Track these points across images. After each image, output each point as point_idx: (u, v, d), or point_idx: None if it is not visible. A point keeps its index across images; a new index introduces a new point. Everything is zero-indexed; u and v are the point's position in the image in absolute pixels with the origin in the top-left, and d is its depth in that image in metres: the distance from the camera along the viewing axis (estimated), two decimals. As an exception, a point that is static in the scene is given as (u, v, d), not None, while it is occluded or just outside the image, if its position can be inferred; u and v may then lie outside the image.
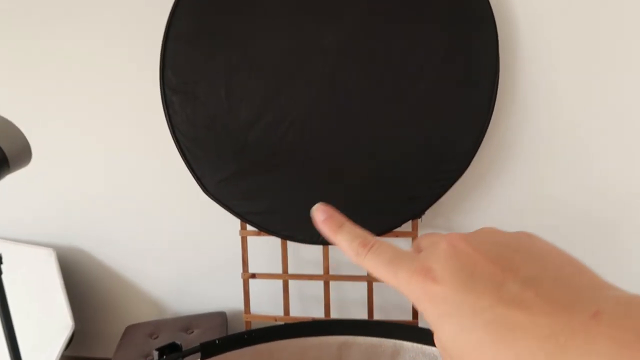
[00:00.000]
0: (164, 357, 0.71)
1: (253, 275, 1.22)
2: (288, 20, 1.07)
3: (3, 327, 0.76)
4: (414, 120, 1.06)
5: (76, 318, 1.25)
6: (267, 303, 1.31)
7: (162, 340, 1.25)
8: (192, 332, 1.29)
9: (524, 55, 1.10)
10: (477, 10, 1.02)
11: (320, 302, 1.24)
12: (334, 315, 1.32)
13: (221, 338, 0.75)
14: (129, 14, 1.19)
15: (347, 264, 1.28)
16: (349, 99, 1.07)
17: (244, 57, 1.09)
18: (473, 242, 0.22)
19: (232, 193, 1.14)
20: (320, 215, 0.28)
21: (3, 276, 0.75)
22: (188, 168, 1.14)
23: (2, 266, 0.75)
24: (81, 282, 1.43)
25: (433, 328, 0.22)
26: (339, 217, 0.27)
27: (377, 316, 1.28)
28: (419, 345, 0.76)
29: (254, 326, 1.00)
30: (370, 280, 1.17)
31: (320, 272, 1.22)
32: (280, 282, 1.23)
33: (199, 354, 0.74)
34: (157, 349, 0.71)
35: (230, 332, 1.33)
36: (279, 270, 1.23)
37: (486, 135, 1.06)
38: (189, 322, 1.32)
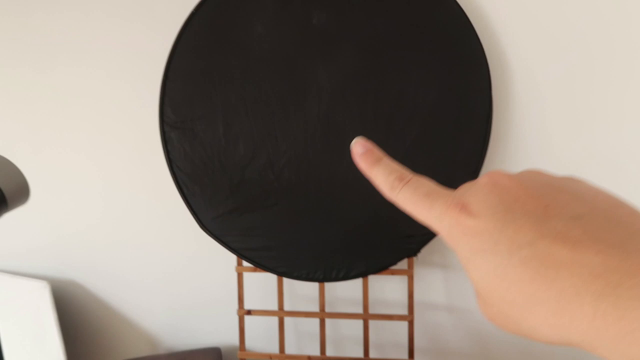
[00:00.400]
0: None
1: (248, 312, 1.21)
2: (284, 61, 1.09)
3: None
4: (408, 160, 1.08)
5: (69, 353, 1.23)
6: (262, 339, 1.30)
7: (155, 378, 1.23)
8: (186, 368, 1.27)
9: (517, 98, 1.12)
10: (470, 54, 1.04)
11: (316, 339, 1.23)
12: (330, 352, 1.30)
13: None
14: (130, 52, 1.22)
15: (343, 300, 1.27)
16: (344, 138, 1.08)
17: (242, 96, 1.11)
18: (515, 179, 0.21)
19: (228, 229, 1.14)
20: (359, 148, 0.27)
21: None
22: (185, 203, 1.14)
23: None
24: (75, 316, 1.42)
25: (465, 267, 0.20)
26: (378, 152, 0.26)
27: (373, 354, 1.27)
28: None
29: (248, 366, 0.99)
30: (366, 318, 1.17)
31: (317, 309, 1.21)
32: (275, 319, 1.22)
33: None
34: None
35: (224, 369, 1.31)
36: (275, 307, 1.22)
37: (479, 176, 1.07)
38: (183, 358, 1.30)
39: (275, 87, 1.10)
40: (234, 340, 1.35)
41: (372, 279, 1.19)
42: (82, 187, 1.32)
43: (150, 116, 1.16)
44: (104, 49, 1.22)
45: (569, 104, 1.11)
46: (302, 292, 1.28)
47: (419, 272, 1.23)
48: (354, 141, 0.27)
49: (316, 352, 1.23)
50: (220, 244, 1.15)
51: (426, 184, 0.23)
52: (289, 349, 1.32)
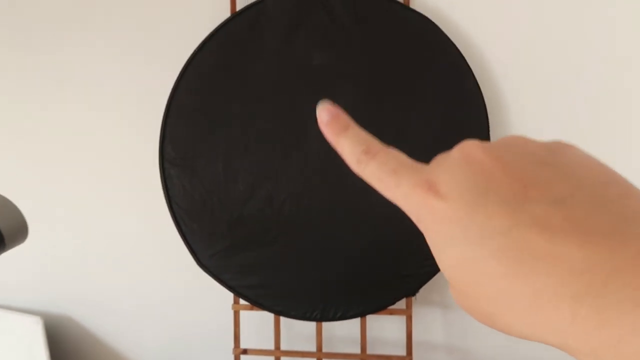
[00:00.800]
0: None
1: (244, 351, 1.19)
2: (285, 100, 1.11)
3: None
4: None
5: (59, 393, 1.20)
6: (257, 378, 1.27)
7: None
8: (179, 409, 1.24)
9: (514, 133, 1.13)
10: (469, 96, 1.06)
11: (312, 379, 1.20)
12: (327, 393, 1.27)
13: None
14: (133, 88, 1.23)
15: (341, 339, 1.25)
16: (343, 177, 1.09)
17: (242, 134, 1.11)
18: (492, 151, 0.18)
19: (225, 266, 1.14)
20: (325, 115, 0.23)
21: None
22: (182, 240, 1.14)
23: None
24: (68, 353, 1.39)
25: (434, 255, 0.18)
26: (345, 118, 0.23)
27: (371, 396, 1.24)
28: None
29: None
30: (364, 358, 1.15)
31: (314, 348, 1.19)
32: (272, 358, 1.20)
33: None
34: None
35: (219, 410, 1.28)
36: (271, 345, 1.20)
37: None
38: (176, 398, 1.27)
39: (275, 126, 1.11)
40: (229, 380, 1.32)
41: (371, 318, 1.17)
42: (79, 221, 1.31)
43: (150, 153, 1.17)
44: (106, 84, 1.24)
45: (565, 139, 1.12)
46: (299, 330, 1.26)
47: (418, 312, 1.21)
48: (320, 105, 0.24)
49: (313, 393, 1.20)
50: (218, 281, 1.14)
51: (395, 158, 0.21)
52: (285, 389, 1.29)
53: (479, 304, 0.16)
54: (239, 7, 1.13)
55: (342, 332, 1.25)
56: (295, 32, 1.09)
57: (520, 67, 1.11)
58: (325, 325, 1.23)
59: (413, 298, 1.13)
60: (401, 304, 1.13)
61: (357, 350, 1.18)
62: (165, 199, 1.13)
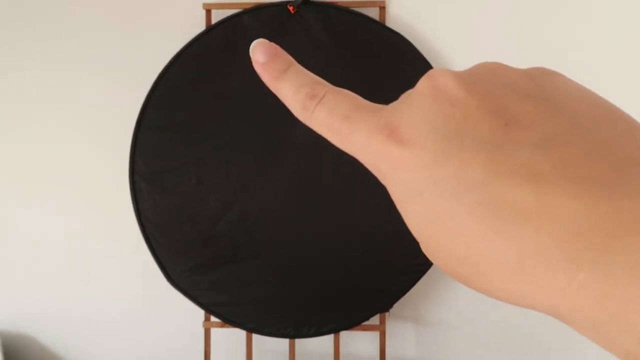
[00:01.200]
0: None
1: (215, 370, 1.16)
2: (260, 115, 1.10)
3: None
4: (381, 215, 1.08)
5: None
6: (228, 397, 1.24)
7: None
8: None
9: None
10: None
11: (285, 398, 1.18)
12: (299, 412, 1.25)
13: None
14: (103, 103, 1.20)
15: (314, 356, 1.23)
16: (317, 194, 1.09)
17: (215, 150, 1.10)
18: (465, 83, 0.15)
19: (196, 283, 1.11)
20: (260, 54, 0.20)
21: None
22: (152, 256, 1.11)
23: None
24: (26, 374, 1.32)
25: (400, 211, 0.15)
26: (286, 57, 0.19)
27: (344, 413, 1.22)
28: None
29: None
30: (337, 375, 1.13)
31: (286, 366, 1.17)
32: (243, 377, 1.18)
33: None
34: None
35: None
36: (243, 364, 1.17)
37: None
38: (142, 420, 1.22)
39: (250, 142, 1.10)
40: (199, 399, 1.28)
41: (345, 334, 1.16)
42: (40, 234, 1.26)
43: (120, 167, 1.13)
44: (76, 98, 1.20)
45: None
46: (271, 348, 1.24)
47: (391, 327, 1.21)
48: (253, 44, 0.20)
49: (285, 411, 1.18)
50: (189, 298, 1.11)
51: (346, 101, 0.17)
52: (257, 408, 1.26)
53: (453, 264, 0.14)
54: (214, 21, 1.12)
55: (316, 349, 1.23)
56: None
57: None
58: (299, 341, 1.21)
59: (387, 314, 1.13)
60: (375, 319, 1.12)
61: (330, 367, 1.17)
62: (135, 213, 1.10)
